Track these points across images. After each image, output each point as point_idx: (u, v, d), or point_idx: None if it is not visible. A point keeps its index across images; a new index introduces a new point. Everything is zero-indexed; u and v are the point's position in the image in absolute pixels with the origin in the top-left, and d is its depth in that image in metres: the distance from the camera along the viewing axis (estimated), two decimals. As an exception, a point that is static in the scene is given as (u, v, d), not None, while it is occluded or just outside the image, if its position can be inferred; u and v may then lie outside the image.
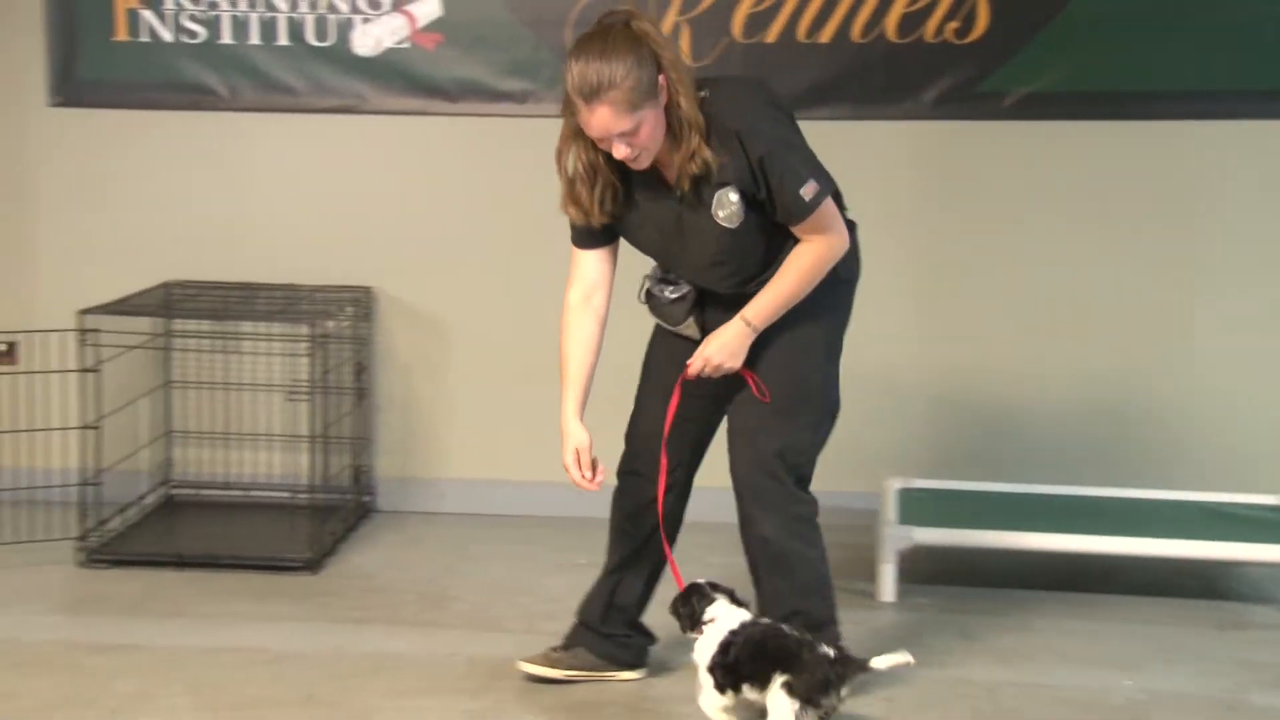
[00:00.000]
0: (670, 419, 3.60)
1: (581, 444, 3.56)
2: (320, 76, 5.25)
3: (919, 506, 4.66)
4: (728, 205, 3.37)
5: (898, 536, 4.44)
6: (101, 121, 5.33)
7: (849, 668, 3.32)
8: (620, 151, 3.31)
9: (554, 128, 5.19)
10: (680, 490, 3.73)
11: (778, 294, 3.44)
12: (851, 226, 3.57)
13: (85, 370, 4.63)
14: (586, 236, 3.57)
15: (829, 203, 3.38)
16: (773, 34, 5.11)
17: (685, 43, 5.13)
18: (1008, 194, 5.15)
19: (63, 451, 4.88)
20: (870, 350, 5.18)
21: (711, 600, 3.45)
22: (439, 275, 5.35)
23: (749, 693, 3.36)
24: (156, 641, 4.02)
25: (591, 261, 3.59)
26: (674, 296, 3.55)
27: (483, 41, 5.20)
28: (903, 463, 5.11)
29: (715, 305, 3.53)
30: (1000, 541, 4.45)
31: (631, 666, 3.81)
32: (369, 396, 5.33)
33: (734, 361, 3.48)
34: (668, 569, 3.70)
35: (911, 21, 5.05)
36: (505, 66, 5.21)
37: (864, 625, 4.15)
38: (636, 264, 3.66)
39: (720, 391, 3.59)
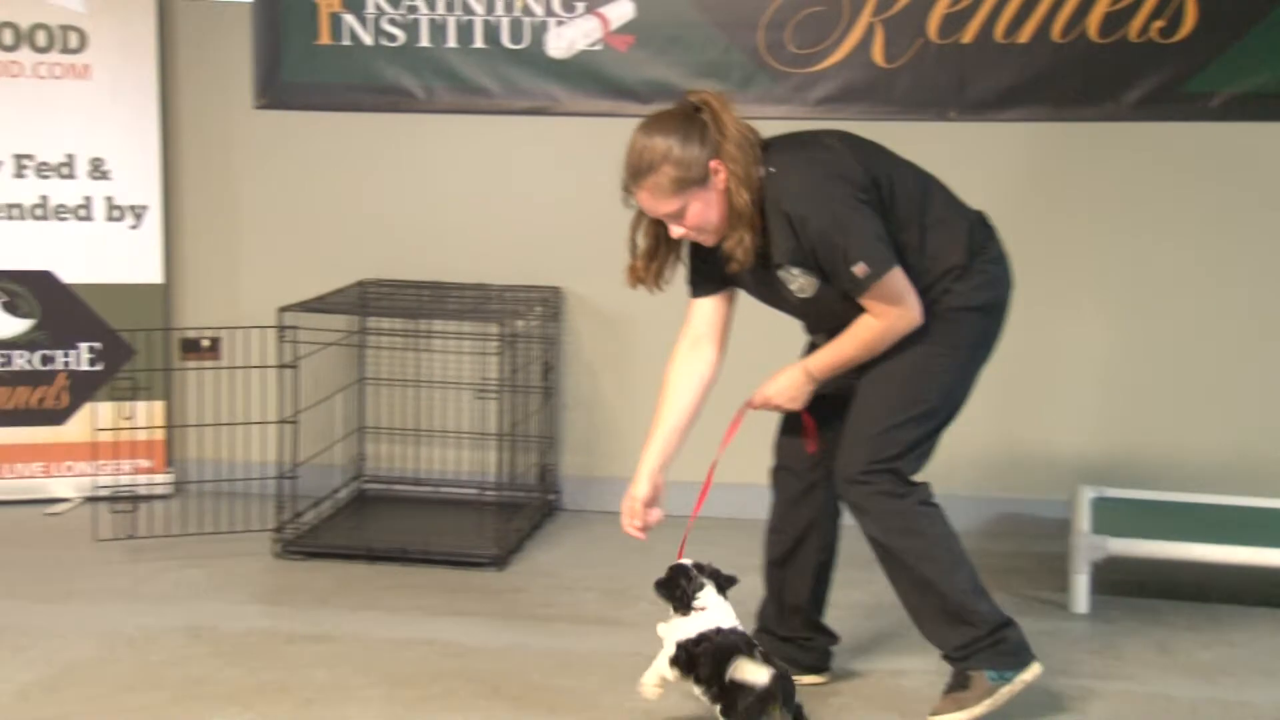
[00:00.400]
0: (727, 440, 3.59)
1: (636, 498, 3.59)
2: (514, 78, 5.32)
3: (1113, 516, 4.53)
4: (795, 280, 3.38)
5: (1092, 547, 4.32)
6: (303, 123, 5.47)
7: (790, 686, 3.25)
8: (674, 231, 3.39)
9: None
10: (825, 490, 3.67)
11: (838, 354, 3.42)
12: (989, 236, 3.49)
13: (284, 366, 4.75)
14: (697, 283, 3.57)
15: (888, 279, 3.29)
16: (969, 34, 5.02)
17: (879, 44, 5.07)
18: (1212, 198, 5.00)
19: (261, 445, 5.00)
20: (1066, 355, 5.09)
21: (701, 585, 3.47)
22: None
23: (694, 688, 3.36)
24: (348, 632, 4.10)
25: (701, 309, 3.59)
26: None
27: (674, 43, 5.21)
28: (1096, 471, 4.98)
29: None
30: (1199, 554, 4.31)
31: (814, 670, 3.78)
32: (556, 395, 5.38)
33: (793, 404, 3.51)
34: (839, 567, 3.75)
35: (1114, 21, 4.93)
36: (696, 68, 5.21)
37: (1056, 636, 4.07)
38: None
39: (844, 391, 3.53)
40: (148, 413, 5.21)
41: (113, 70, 5.34)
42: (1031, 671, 3.49)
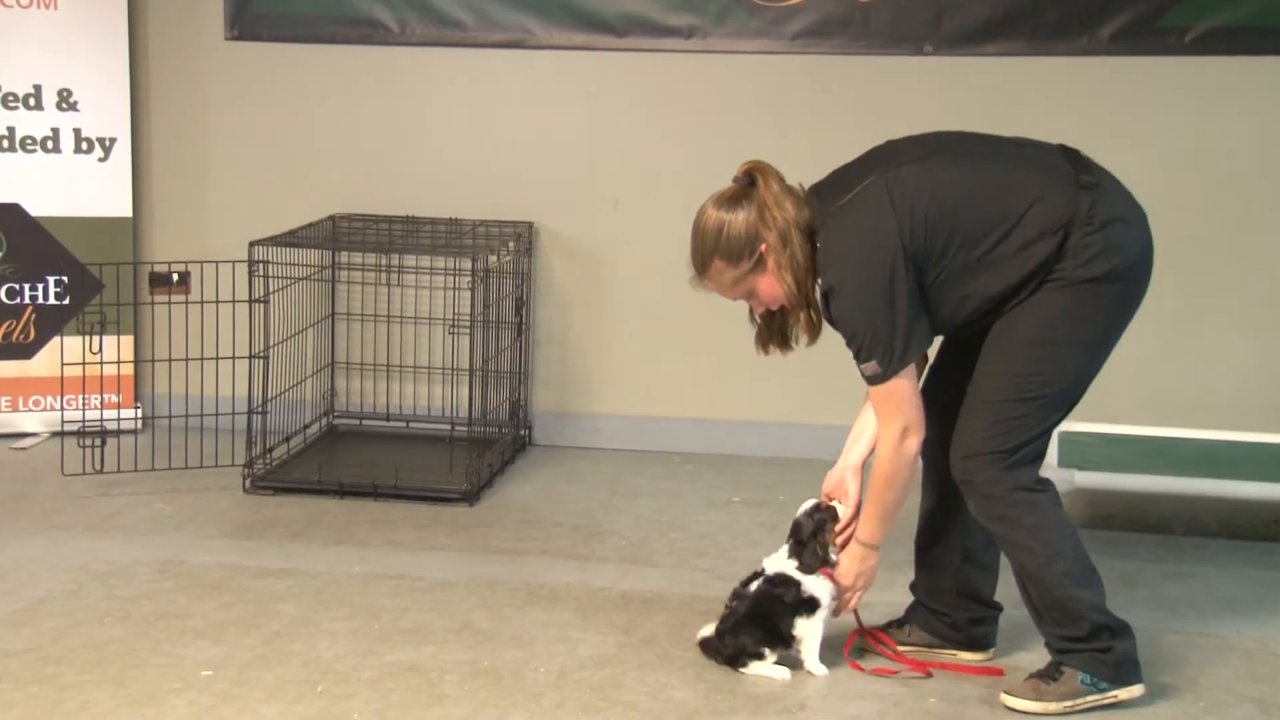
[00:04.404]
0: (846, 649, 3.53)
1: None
2: (489, 11, 5.26)
3: (1080, 449, 4.53)
4: None
5: (1058, 479, 4.29)
6: (275, 55, 5.42)
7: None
8: (757, 309, 3.43)
9: (721, 64, 5.20)
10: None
11: (875, 507, 3.36)
12: (1093, 202, 3.19)
13: (254, 301, 4.71)
14: None
15: (896, 384, 3.22)
16: (946, -34, 5.00)
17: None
18: (1187, 132, 4.98)
19: (231, 380, 4.97)
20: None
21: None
22: (600, 211, 5.35)
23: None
24: (318, 567, 4.09)
25: None
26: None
27: (650, -24, 5.17)
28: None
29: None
30: (1164, 487, 4.33)
31: (970, 646, 3.62)
32: (528, 331, 5.36)
33: (866, 580, 3.44)
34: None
35: (1091, -46, 4.92)
36: (672, 2, 5.17)
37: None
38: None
39: (959, 376, 3.40)
40: (116, 347, 5.16)
41: (80, -1, 5.28)
42: (1130, 691, 3.31)
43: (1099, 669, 3.29)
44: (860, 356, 3.24)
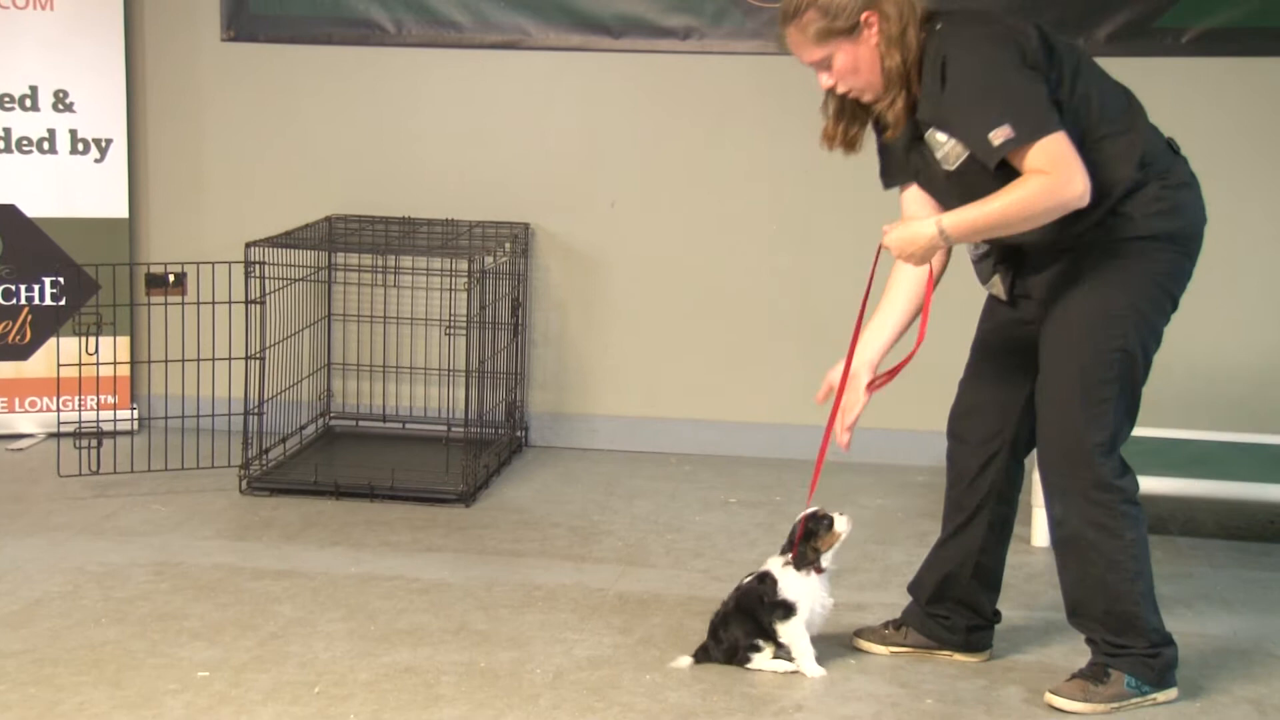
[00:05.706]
0: (839, 393, 3.35)
1: (858, 389, 3.32)
2: (484, 12, 5.26)
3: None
4: (941, 146, 3.12)
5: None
6: (271, 56, 5.42)
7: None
8: (823, 81, 3.19)
9: (717, 65, 5.20)
10: (1004, 460, 3.45)
11: (981, 213, 3.05)
12: (1174, 161, 3.22)
13: (250, 302, 4.71)
14: (887, 172, 3.34)
15: (1042, 144, 2.97)
16: (941, -31, 4.99)
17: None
18: (1184, 133, 4.96)
19: (227, 381, 4.97)
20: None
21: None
22: (596, 212, 5.35)
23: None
24: (315, 568, 4.09)
25: (910, 200, 3.32)
26: (976, 255, 3.36)
27: (646, -23, 5.17)
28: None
29: (1026, 267, 3.26)
30: (1159, 488, 4.32)
31: (966, 649, 3.60)
32: (524, 332, 5.36)
33: (912, 261, 3.18)
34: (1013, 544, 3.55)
35: (1088, -44, 4.92)
36: (669, 2, 5.17)
37: (1019, 570, 4.08)
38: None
39: (1022, 361, 3.35)
40: (112, 348, 5.16)
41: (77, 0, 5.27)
42: (1168, 695, 3.34)
43: (1145, 673, 3.31)
44: (985, 128, 2.98)
